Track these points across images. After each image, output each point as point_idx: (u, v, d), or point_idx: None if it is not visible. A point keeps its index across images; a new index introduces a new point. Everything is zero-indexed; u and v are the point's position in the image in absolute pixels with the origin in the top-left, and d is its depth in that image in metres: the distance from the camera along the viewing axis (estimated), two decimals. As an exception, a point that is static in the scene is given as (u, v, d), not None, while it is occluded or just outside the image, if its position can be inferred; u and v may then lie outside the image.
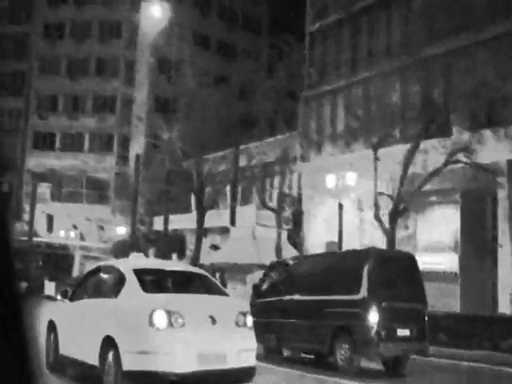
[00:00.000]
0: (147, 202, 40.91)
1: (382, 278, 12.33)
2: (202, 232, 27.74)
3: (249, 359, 7.96)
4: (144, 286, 8.11)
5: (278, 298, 14.36)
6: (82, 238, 51.77)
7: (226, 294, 9.04)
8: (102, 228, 51.03)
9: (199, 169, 27.65)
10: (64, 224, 52.21)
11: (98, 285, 9.42)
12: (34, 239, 46.86)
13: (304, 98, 30.59)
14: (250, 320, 8.20)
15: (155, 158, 41.80)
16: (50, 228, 52.98)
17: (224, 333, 7.77)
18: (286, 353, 14.51)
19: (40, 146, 54.63)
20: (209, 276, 9.67)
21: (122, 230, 42.23)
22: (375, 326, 11.75)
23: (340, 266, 13.32)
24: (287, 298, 14.03)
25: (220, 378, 7.75)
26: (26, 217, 53.31)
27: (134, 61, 52.57)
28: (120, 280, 8.38)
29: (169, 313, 7.35)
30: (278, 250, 24.66)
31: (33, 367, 1.54)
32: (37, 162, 53.70)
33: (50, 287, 37.22)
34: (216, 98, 27.47)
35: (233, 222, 27.80)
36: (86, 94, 53.83)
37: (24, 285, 32.80)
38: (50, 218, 52.93)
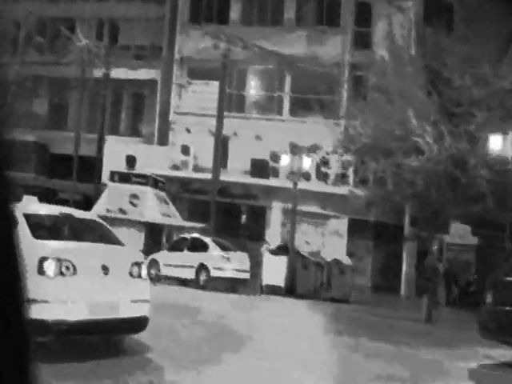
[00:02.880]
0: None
1: None
2: None
3: (142, 309, 8.07)
4: (34, 231, 7.72)
5: None
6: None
7: (121, 244, 8.79)
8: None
9: None
10: (249, 153, 30.18)
11: None
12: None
13: None
14: (144, 270, 8.24)
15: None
16: (223, 161, 30.94)
17: (117, 282, 7.82)
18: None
19: (200, 17, 31.72)
20: (104, 224, 9.35)
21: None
22: None
23: None
24: None
25: (112, 327, 7.87)
26: (177, 139, 31.50)
27: None
28: None
29: (59, 260, 7.29)
30: None
31: (32, 368, 1.41)
32: (199, 45, 30.93)
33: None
34: None
35: None
36: None
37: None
38: (224, 143, 30.79)
